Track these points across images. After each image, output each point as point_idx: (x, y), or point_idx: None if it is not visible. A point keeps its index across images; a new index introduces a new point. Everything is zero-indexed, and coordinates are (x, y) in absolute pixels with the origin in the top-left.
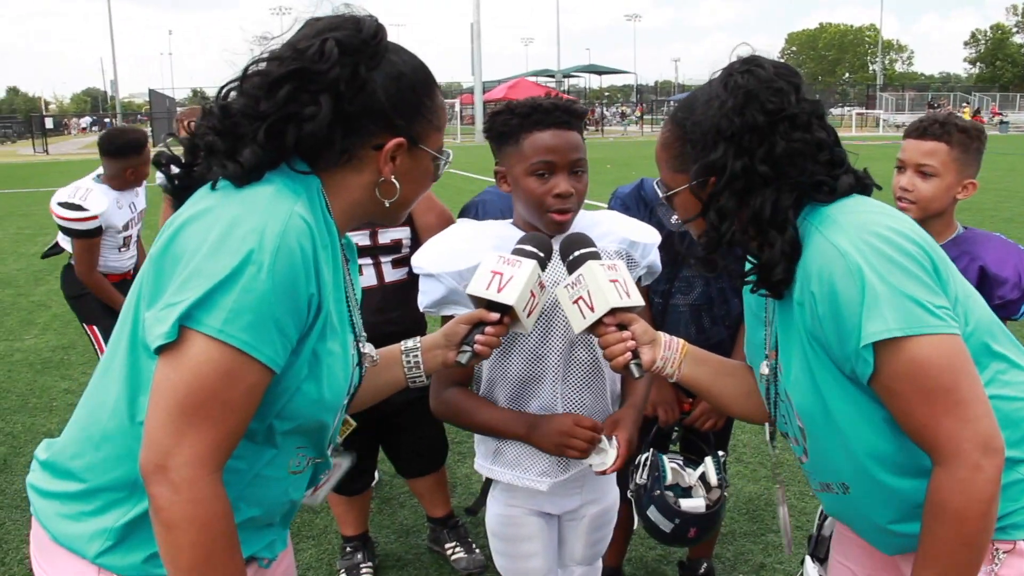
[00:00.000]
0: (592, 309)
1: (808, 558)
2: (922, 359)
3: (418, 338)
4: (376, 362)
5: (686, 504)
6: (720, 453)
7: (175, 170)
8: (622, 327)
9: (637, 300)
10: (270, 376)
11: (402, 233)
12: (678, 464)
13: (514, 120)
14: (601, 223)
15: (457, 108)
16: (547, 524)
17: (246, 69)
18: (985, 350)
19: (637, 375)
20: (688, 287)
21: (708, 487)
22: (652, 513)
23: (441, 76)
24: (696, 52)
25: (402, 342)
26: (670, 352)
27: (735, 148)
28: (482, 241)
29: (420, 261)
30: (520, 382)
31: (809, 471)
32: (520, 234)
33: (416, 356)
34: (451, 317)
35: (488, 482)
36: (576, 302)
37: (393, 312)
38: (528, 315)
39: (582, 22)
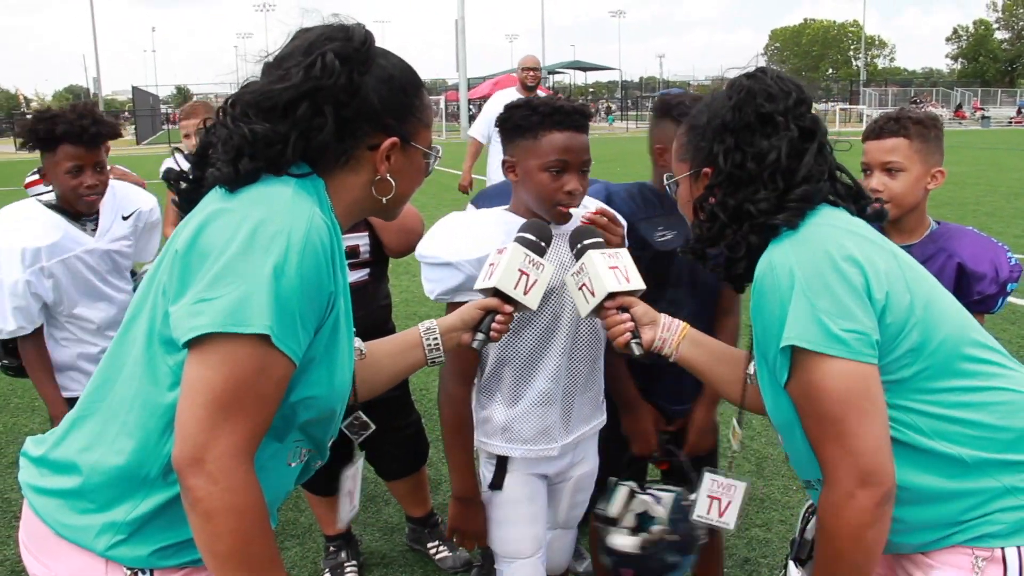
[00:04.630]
0: (593, 294)
1: (791, 562)
2: (816, 382)
3: (433, 320)
4: (364, 355)
5: (615, 541)
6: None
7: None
8: (624, 310)
9: (637, 284)
10: (293, 369)
11: (359, 240)
12: (652, 495)
13: (534, 117)
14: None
15: (442, 105)
16: (542, 489)
17: (246, 82)
18: (956, 362)
19: (637, 352)
20: (676, 307)
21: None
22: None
23: (426, 73)
24: (681, 47)
25: (421, 324)
26: (668, 333)
27: (732, 141)
28: (492, 228)
29: (434, 250)
30: (529, 357)
31: (793, 468)
32: (520, 220)
33: (436, 338)
34: (457, 304)
35: (499, 466)
36: (580, 288)
37: (354, 313)
38: (526, 293)
39: (567, 18)
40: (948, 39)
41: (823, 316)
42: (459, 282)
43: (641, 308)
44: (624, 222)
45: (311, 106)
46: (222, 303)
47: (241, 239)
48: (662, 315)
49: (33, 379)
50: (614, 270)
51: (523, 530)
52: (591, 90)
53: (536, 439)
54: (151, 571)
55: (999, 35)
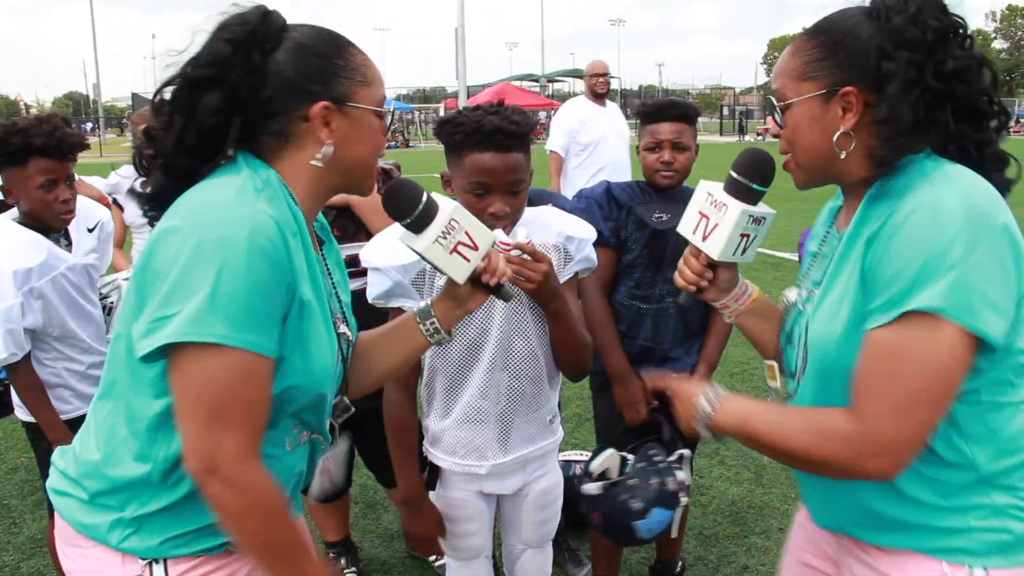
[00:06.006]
0: (704, 240)
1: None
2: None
3: (428, 301)
4: (352, 342)
5: (584, 488)
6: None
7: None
8: (712, 267)
9: (748, 259)
10: (272, 363)
11: (360, 249)
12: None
13: (457, 135)
14: (541, 217)
15: (442, 112)
16: (487, 505)
17: (158, 90)
18: (1016, 363)
19: (682, 300)
20: (675, 291)
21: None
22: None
23: (425, 81)
24: (680, 56)
25: (415, 309)
26: (736, 303)
27: (907, 57)
28: None
29: (367, 255)
30: (459, 368)
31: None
32: None
33: (434, 323)
34: (399, 310)
35: (433, 466)
36: (696, 229)
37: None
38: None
39: (567, 26)
40: None
41: (992, 296)
42: (387, 288)
43: (728, 275)
44: (550, 259)
45: (193, 93)
46: (178, 318)
47: (187, 255)
48: (744, 282)
49: (30, 406)
50: (744, 238)
51: (460, 542)
52: None
53: (466, 454)
54: (164, 561)
55: (997, 44)
